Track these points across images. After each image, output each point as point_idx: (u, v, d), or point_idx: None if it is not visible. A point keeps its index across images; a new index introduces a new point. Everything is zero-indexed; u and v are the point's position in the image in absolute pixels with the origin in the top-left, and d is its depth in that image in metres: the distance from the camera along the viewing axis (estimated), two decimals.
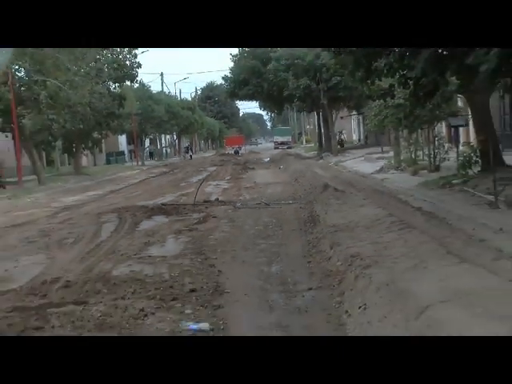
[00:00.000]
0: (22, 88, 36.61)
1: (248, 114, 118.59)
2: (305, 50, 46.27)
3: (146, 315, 7.95)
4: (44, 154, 46.23)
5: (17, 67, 36.67)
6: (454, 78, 19.26)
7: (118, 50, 48.23)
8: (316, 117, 63.32)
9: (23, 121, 36.85)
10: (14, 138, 37.78)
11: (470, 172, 19.50)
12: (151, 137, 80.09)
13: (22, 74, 37.36)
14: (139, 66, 51.13)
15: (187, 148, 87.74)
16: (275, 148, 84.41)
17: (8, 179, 37.05)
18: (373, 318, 7.28)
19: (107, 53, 47.30)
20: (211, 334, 7.40)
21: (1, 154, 42.64)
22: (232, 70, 60.87)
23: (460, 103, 25.30)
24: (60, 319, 7.89)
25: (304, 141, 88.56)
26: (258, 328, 7.50)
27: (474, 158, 20.03)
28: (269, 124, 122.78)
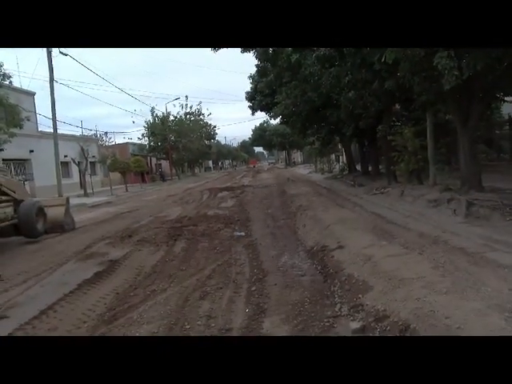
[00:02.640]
0: (172, 143, 41.97)
1: (258, 151, 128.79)
2: (281, 127, 51.89)
3: (220, 230, 8.35)
4: (180, 168, 49.61)
5: (171, 136, 41.80)
6: (337, 137, 22.26)
7: (209, 127, 53.12)
8: (285, 152, 73.65)
9: (173, 155, 42.61)
10: (169, 161, 43.53)
11: (344, 173, 22.20)
12: (221, 161, 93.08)
13: (172, 138, 41.71)
14: (215, 133, 56.90)
15: (235, 165, 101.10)
16: (269, 164, 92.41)
17: (166, 178, 42.06)
18: (308, 229, 7.68)
19: (203, 128, 51.09)
20: (244, 236, 7.55)
21: (164, 168, 47.50)
22: (252, 136, 74.04)
23: (340, 146, 27.79)
24: (187, 232, 8.27)
25: (280, 162, 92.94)
26: (263, 234, 7.72)
27: (345, 168, 23.40)
28: (266, 155, 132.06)
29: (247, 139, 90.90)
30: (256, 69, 21.87)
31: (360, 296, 3.87)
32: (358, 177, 17.77)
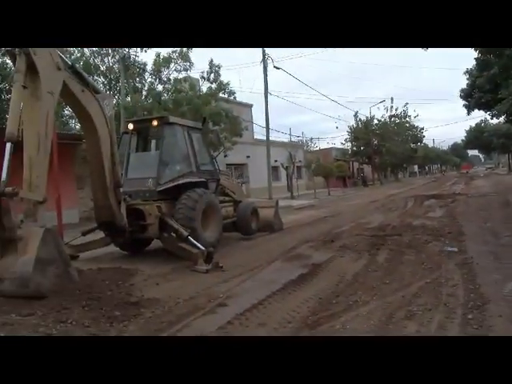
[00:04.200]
0: (375, 147, 41.11)
1: (472, 155, 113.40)
2: (504, 127, 42.40)
3: (428, 242, 7.72)
4: (382, 173, 48.02)
5: (374, 140, 41.45)
6: None
7: (415, 129, 50.18)
8: (508, 155, 59.95)
9: (375, 160, 42.13)
10: (371, 166, 43.66)
11: None
12: (428, 165, 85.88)
13: (375, 142, 41.37)
14: (423, 136, 53.87)
15: (444, 170, 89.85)
16: (485, 170, 78.22)
17: (368, 183, 41.07)
18: None
19: (409, 131, 48.62)
20: (457, 252, 6.74)
21: (366, 173, 46.37)
22: (465, 137, 68.81)
23: None
24: (390, 242, 7.90)
25: (501, 167, 78.24)
26: (481, 251, 6.73)
27: None
28: (482, 159, 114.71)
29: (459, 141, 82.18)
30: (475, 62, 19.45)
31: None
32: None
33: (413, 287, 4.98)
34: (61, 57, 5.53)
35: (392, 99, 48.05)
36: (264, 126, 22.93)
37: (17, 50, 4.76)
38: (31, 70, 4.92)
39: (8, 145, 4.61)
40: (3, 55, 17.44)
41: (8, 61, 17.56)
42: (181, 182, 7.97)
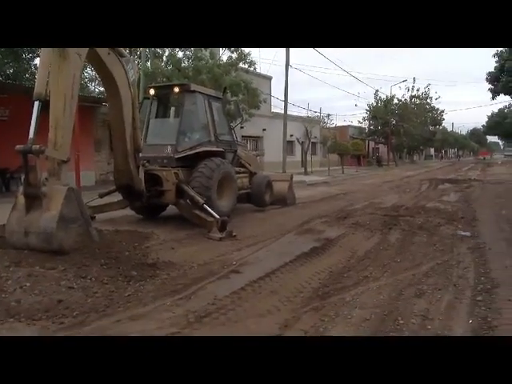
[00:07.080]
0: (393, 127, 39.96)
1: (491, 142, 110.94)
2: None
3: (441, 225, 7.65)
4: (398, 154, 47.35)
5: (392, 120, 40.46)
6: None
7: (435, 111, 48.86)
8: None
9: (392, 140, 41.23)
10: (387, 146, 42.98)
11: None
12: (445, 149, 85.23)
13: (394, 122, 40.00)
14: (442, 119, 52.65)
15: (460, 155, 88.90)
16: (504, 157, 76.78)
17: (383, 163, 41.00)
18: None
19: (429, 113, 47.42)
20: (470, 237, 6.67)
21: (381, 153, 46.63)
22: (486, 123, 63.28)
23: None
24: (402, 222, 7.85)
25: None
26: (494, 238, 6.64)
27: None
28: (502, 147, 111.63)
29: (479, 127, 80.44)
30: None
31: None
32: None
33: (423, 267, 5.05)
34: None
35: (414, 79, 46.72)
36: (282, 99, 22.71)
37: None
38: None
39: (36, 103, 4.70)
40: None
41: None
42: (199, 150, 8.04)
